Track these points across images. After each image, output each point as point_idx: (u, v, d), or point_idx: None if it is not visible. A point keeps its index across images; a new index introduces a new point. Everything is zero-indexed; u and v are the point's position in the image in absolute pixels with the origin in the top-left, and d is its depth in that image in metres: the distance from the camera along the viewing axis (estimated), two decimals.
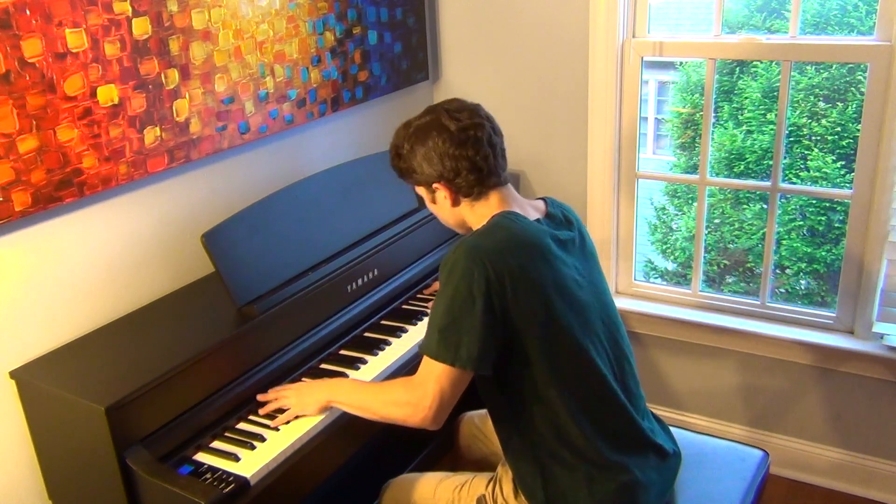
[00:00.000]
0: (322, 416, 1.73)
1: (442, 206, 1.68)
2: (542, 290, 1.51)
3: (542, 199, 1.72)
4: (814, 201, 5.38)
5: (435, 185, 1.64)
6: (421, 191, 1.70)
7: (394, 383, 1.63)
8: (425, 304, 2.21)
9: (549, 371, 1.52)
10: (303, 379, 1.88)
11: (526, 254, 1.52)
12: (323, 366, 1.94)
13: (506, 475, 1.68)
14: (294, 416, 1.73)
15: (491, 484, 1.71)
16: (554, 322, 1.51)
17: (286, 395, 1.76)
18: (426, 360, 1.51)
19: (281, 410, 1.74)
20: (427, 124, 1.62)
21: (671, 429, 1.80)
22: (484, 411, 2.02)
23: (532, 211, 1.65)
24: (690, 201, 6.02)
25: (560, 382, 1.53)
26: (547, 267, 1.53)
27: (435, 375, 1.49)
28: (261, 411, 1.75)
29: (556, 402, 1.53)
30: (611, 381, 1.59)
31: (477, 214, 1.64)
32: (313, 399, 1.72)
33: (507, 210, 1.61)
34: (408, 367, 1.94)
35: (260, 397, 1.78)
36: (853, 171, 2.33)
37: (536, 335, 1.50)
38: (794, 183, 5.29)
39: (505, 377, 1.54)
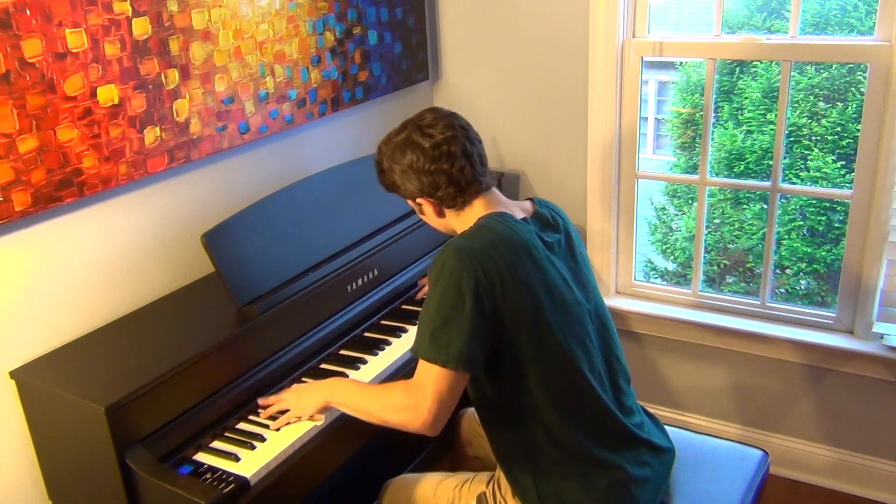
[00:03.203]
0: (322, 418, 1.73)
1: (429, 217, 1.71)
2: (531, 288, 1.51)
3: (530, 199, 1.72)
4: (814, 201, 5.38)
5: (419, 200, 1.67)
6: (409, 203, 1.73)
7: (393, 386, 1.59)
8: None
9: (538, 370, 1.52)
10: (303, 379, 1.88)
11: (513, 253, 1.52)
12: (323, 366, 1.94)
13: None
14: (294, 418, 1.73)
15: (491, 483, 1.71)
16: (542, 322, 1.51)
17: (286, 398, 1.76)
18: (422, 364, 1.50)
19: (282, 412, 1.74)
20: (402, 142, 1.63)
21: (669, 427, 1.81)
22: None
23: (519, 212, 1.65)
24: (690, 201, 6.02)
25: (548, 382, 1.53)
26: (535, 266, 1.53)
27: (432, 379, 1.48)
28: (262, 413, 1.75)
29: (544, 402, 1.53)
30: (599, 379, 1.59)
31: (463, 221, 1.65)
32: (312, 399, 1.72)
33: (494, 211, 1.61)
34: (407, 368, 1.95)
35: (261, 401, 1.78)
36: (853, 171, 2.33)
37: (525, 335, 1.50)
38: (794, 183, 5.29)
39: (496, 377, 1.54)
